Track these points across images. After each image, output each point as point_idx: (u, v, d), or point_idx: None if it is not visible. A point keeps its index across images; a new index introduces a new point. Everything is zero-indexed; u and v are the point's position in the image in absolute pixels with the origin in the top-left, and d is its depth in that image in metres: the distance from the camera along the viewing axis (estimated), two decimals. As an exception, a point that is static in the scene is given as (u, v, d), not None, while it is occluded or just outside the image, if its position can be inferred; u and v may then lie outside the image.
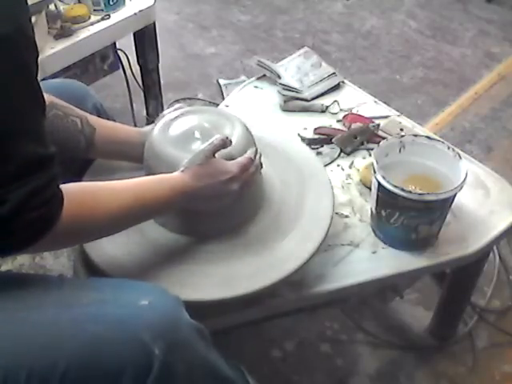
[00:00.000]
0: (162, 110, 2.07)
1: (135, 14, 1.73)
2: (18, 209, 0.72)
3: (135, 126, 1.99)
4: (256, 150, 1.02)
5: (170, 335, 0.81)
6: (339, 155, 1.32)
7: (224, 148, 0.97)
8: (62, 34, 1.61)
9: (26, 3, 0.76)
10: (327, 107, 1.44)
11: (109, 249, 1.00)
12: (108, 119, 1.20)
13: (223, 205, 0.97)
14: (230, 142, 0.98)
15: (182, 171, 0.93)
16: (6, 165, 0.71)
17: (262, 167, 1.05)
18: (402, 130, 1.36)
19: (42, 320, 0.78)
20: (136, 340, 0.78)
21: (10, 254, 0.79)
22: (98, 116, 1.16)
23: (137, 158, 1.10)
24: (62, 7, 1.65)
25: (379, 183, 1.05)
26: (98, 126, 1.07)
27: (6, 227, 0.72)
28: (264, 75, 1.55)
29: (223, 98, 2.11)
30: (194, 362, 0.87)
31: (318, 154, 1.31)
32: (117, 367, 0.78)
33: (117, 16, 1.71)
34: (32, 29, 0.76)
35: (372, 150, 1.20)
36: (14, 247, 0.76)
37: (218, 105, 1.64)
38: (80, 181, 1.12)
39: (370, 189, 1.17)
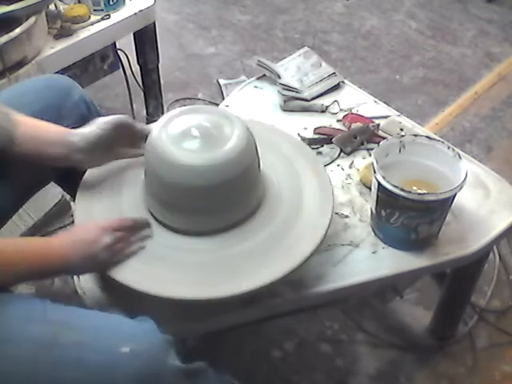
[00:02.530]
0: (162, 110, 2.08)
1: (135, 13, 1.73)
2: None
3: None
4: (147, 224, 1.01)
5: None
6: (339, 155, 1.32)
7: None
8: (62, 33, 1.61)
9: None
10: (327, 107, 1.44)
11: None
12: (98, 112, 1.20)
13: (97, 269, 0.97)
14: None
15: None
16: None
17: (150, 237, 1.01)
18: (402, 129, 1.36)
19: (21, 356, 0.76)
20: None
21: None
22: (87, 109, 1.17)
23: (57, 159, 1.03)
24: (62, 7, 1.65)
25: (379, 183, 1.05)
26: (22, 123, 1.01)
27: None
28: (264, 75, 1.55)
29: (223, 98, 2.11)
30: None
31: (318, 153, 1.31)
32: None
33: (117, 16, 1.71)
34: None
35: (372, 150, 1.21)
36: None
37: (218, 105, 1.64)
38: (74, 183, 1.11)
39: (370, 189, 1.17)
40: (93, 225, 0.96)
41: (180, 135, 1.00)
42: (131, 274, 0.96)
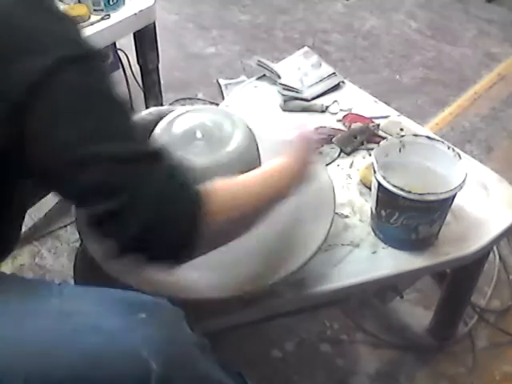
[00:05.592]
0: (162, 110, 2.08)
1: (135, 14, 1.73)
2: (146, 227, 0.70)
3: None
4: None
5: (168, 350, 0.79)
6: (339, 155, 1.32)
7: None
8: (62, 33, 1.61)
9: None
10: (327, 107, 1.44)
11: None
12: None
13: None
14: None
15: (285, 156, 0.94)
16: (117, 168, 0.70)
17: None
18: (402, 129, 1.36)
19: (42, 326, 0.77)
20: (133, 354, 0.77)
21: (173, 264, 0.77)
22: None
23: None
24: (61, 7, 1.65)
25: (379, 183, 1.05)
26: None
27: (154, 231, 0.70)
28: (264, 75, 1.55)
29: (223, 98, 2.11)
30: (194, 377, 0.86)
31: (318, 153, 1.31)
32: (113, 380, 0.77)
33: (117, 16, 1.71)
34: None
35: (372, 149, 1.20)
36: (172, 257, 0.74)
37: (218, 105, 1.64)
38: None
39: (370, 189, 1.17)
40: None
41: (182, 136, 1.00)
42: (131, 274, 0.96)
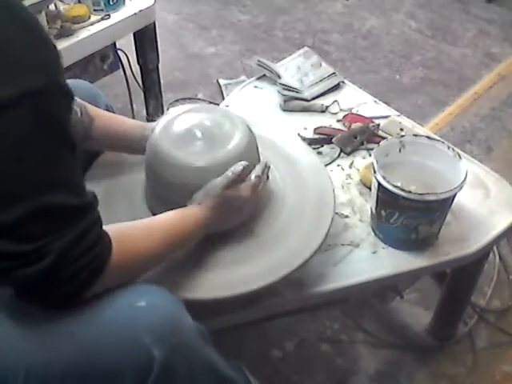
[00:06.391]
0: (162, 110, 2.07)
1: (135, 14, 1.73)
2: (58, 261, 0.70)
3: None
4: (265, 164, 1.03)
5: (171, 337, 0.79)
6: (339, 155, 1.32)
7: (240, 181, 0.98)
8: (62, 33, 1.61)
9: (55, 48, 0.75)
10: (327, 107, 1.44)
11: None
12: None
13: (237, 223, 1.02)
14: (250, 171, 1.00)
15: (200, 204, 0.95)
16: (37, 218, 0.70)
17: (268, 178, 1.06)
18: (402, 129, 1.36)
19: (39, 321, 0.77)
20: (135, 341, 0.77)
21: (62, 304, 0.77)
22: None
23: (135, 150, 1.11)
24: (62, 7, 1.65)
25: (379, 183, 1.05)
26: (96, 116, 1.05)
27: (51, 281, 0.71)
28: (264, 75, 1.55)
29: (223, 98, 2.11)
30: (196, 364, 0.86)
31: (318, 153, 1.31)
32: (116, 369, 0.78)
33: (117, 16, 1.71)
34: (62, 74, 0.75)
35: (372, 150, 1.21)
36: (63, 299, 0.74)
37: (218, 105, 1.64)
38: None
39: (370, 189, 1.17)
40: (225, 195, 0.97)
41: (181, 135, 1.00)
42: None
